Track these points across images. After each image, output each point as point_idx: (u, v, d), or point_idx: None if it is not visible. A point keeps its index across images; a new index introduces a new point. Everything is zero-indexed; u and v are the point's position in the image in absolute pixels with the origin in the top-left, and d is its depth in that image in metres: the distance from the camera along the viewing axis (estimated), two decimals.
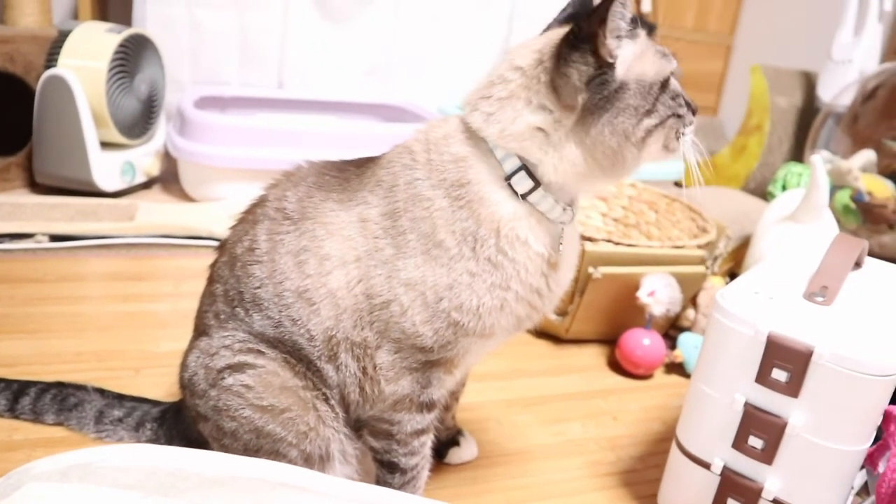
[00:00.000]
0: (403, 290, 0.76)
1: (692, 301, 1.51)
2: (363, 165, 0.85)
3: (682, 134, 0.77)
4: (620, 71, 0.72)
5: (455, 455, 1.06)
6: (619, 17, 0.70)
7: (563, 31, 0.75)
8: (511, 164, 0.76)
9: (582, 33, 0.71)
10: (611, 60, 0.71)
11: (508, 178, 0.76)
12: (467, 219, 0.76)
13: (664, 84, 0.75)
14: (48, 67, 1.82)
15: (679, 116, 0.76)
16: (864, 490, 0.96)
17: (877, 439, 0.86)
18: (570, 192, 0.80)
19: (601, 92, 0.72)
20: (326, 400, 0.82)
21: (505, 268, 0.76)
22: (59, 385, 1.03)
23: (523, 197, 0.76)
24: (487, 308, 0.76)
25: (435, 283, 0.76)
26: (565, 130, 0.74)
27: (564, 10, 0.82)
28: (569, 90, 0.72)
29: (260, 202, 0.87)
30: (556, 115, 0.74)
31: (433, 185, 0.77)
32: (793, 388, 0.81)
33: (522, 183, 0.76)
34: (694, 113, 0.78)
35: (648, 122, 0.74)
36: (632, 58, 0.73)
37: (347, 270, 0.78)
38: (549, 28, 0.81)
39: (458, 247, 0.75)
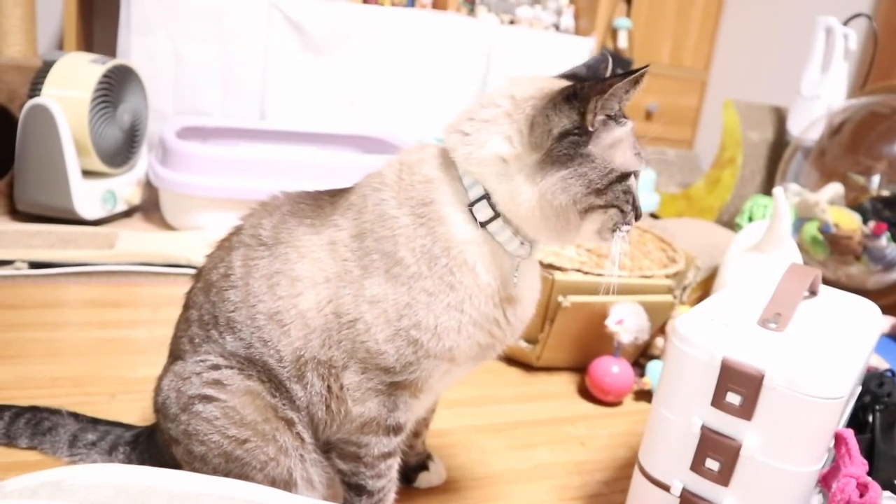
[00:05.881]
0: (368, 308, 0.79)
1: (661, 330, 1.54)
2: (337, 194, 0.88)
3: (619, 229, 0.80)
4: (594, 143, 0.76)
5: (424, 479, 1.07)
6: (616, 100, 0.75)
7: (563, 81, 0.80)
8: (476, 192, 0.80)
9: (581, 93, 0.74)
10: (590, 129, 0.75)
11: (472, 204, 0.80)
12: (426, 236, 0.79)
13: (623, 176, 0.77)
14: (32, 96, 1.84)
15: (622, 212, 0.79)
16: None
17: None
18: (526, 233, 0.82)
19: (569, 149, 0.75)
20: (291, 427, 0.83)
21: (458, 290, 0.79)
22: (34, 409, 1.04)
23: (483, 225, 0.80)
24: (445, 328, 0.79)
25: (396, 301, 0.78)
26: (523, 166, 0.77)
27: (582, 64, 0.86)
28: (542, 131, 0.76)
29: (236, 231, 0.90)
30: (521, 150, 0.77)
31: (399, 204, 0.81)
32: (746, 411, 0.84)
33: (483, 211, 0.79)
34: (637, 217, 0.81)
35: (595, 199, 0.76)
36: (609, 139, 0.76)
37: (318, 291, 0.81)
38: (562, 76, 0.85)
39: (417, 264, 0.78)
